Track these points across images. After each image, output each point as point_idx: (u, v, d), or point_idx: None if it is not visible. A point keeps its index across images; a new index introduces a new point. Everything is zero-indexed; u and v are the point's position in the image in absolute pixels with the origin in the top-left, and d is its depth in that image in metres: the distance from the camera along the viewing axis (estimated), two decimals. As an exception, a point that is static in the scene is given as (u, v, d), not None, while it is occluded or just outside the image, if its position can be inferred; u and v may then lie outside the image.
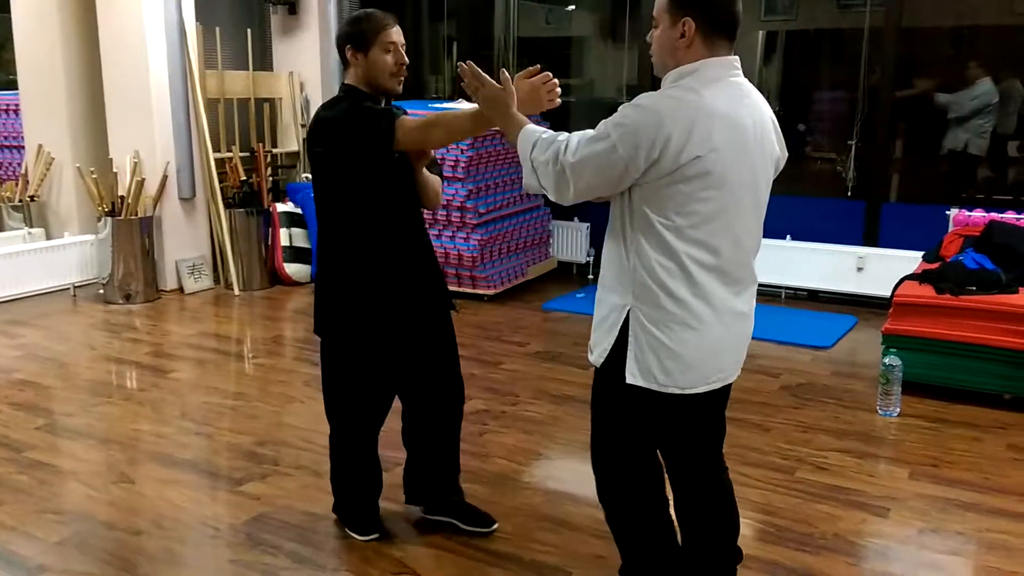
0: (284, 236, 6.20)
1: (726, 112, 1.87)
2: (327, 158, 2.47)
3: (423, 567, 2.64)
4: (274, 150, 6.69)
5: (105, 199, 5.73)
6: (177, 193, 5.92)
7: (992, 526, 2.89)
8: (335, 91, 6.91)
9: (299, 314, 5.68)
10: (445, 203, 5.59)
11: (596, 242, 6.43)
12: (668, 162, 1.82)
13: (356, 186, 2.47)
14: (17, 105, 6.68)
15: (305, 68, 6.72)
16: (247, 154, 6.32)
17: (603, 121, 1.92)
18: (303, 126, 6.74)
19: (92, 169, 5.80)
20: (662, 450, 2.18)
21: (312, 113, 6.71)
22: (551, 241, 6.50)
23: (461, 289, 5.76)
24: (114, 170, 5.81)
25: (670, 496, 2.25)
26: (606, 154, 1.87)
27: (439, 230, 5.71)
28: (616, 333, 1.99)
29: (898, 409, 3.84)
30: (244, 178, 6.14)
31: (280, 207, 6.26)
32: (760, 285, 6.05)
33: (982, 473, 3.28)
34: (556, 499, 3.08)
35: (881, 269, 5.32)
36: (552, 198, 2.02)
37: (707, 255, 1.91)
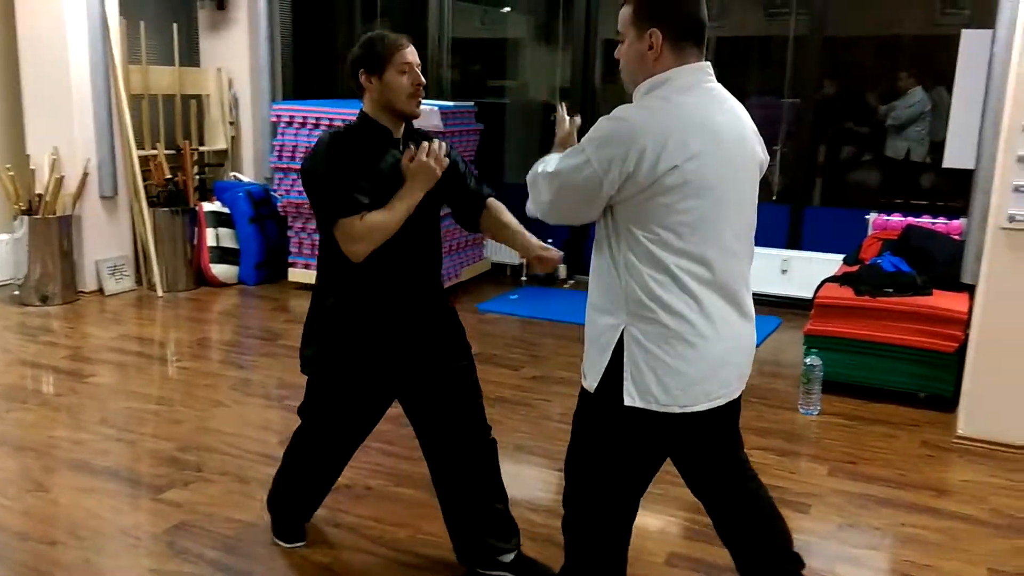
0: (211, 236, 6.06)
1: (702, 119, 1.83)
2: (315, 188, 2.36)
3: (350, 573, 2.61)
4: (201, 148, 6.53)
5: (22, 197, 5.51)
6: (98, 191, 5.74)
7: (907, 521, 2.99)
8: (265, 88, 6.81)
9: (226, 316, 5.57)
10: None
11: (529, 244, 6.44)
12: (644, 175, 1.78)
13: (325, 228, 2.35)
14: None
15: (234, 64, 6.58)
16: (173, 152, 6.16)
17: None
18: (231, 123, 6.60)
19: (8, 166, 5.57)
20: (681, 472, 2.15)
21: (240, 110, 6.60)
22: (485, 242, 6.50)
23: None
24: (32, 167, 5.59)
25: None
26: (579, 168, 1.84)
27: (371, 231, 5.65)
28: (610, 354, 1.90)
29: (819, 408, 3.95)
30: (169, 176, 5.98)
31: (207, 206, 6.12)
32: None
33: (897, 469, 3.39)
34: (486, 501, 3.07)
35: (804, 271, 5.47)
36: (535, 214, 2.00)
37: (699, 267, 1.85)
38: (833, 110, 6.43)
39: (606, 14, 6.43)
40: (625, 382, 1.88)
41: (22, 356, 4.61)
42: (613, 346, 1.90)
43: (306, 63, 7.11)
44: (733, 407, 2.03)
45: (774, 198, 6.04)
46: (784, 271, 5.64)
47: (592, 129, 1.87)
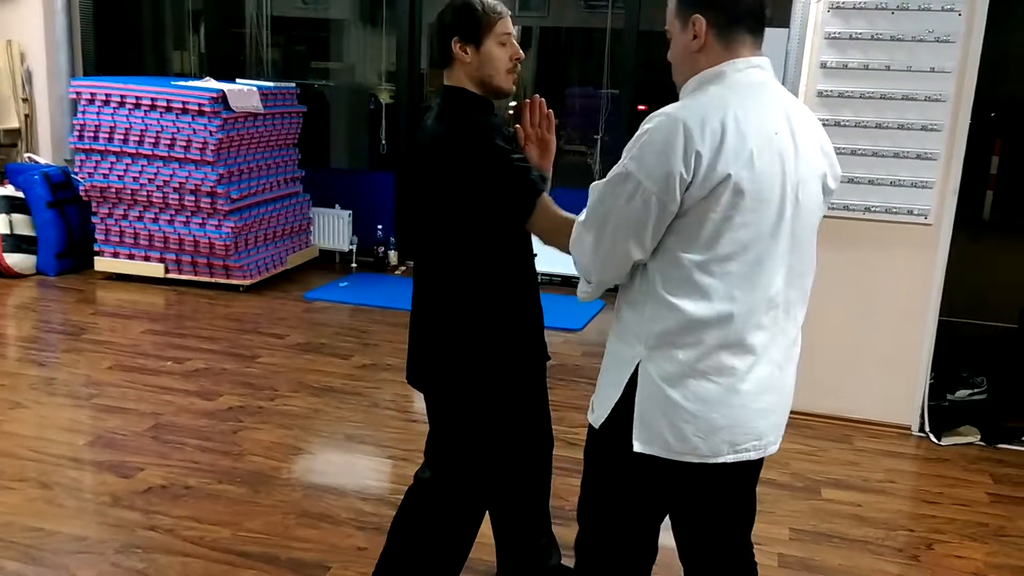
0: (3, 223, 5.53)
1: (759, 123, 1.54)
2: (447, 187, 2.00)
3: (170, 576, 2.48)
4: (-10, 126, 5.95)
5: None
6: None
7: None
8: (63, 63, 6.30)
9: (23, 309, 5.11)
10: (194, 187, 5.27)
11: (359, 230, 6.34)
12: (698, 183, 1.49)
13: (482, 225, 2.03)
14: None
15: (27, 36, 6.02)
16: (-45, 130, 5.57)
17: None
18: (24, 100, 6.05)
19: None
20: (676, 528, 1.84)
21: (35, 86, 6.05)
22: (312, 228, 6.32)
23: (214, 280, 5.46)
24: None
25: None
26: (626, 195, 1.53)
27: (187, 217, 5.37)
28: (622, 390, 1.65)
29: (640, 385, 4.13)
30: (-48, 157, 5.41)
31: (-2, 190, 5.59)
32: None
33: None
34: (317, 493, 3.00)
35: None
36: (586, 290, 1.72)
37: (742, 294, 1.58)
38: (648, 101, 6.73)
39: (432, 1, 6.41)
40: (634, 424, 1.63)
41: None
42: (626, 381, 1.64)
43: (109, 37, 6.61)
44: (758, 464, 1.75)
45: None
46: (606, 255, 5.84)
47: (630, 147, 1.57)
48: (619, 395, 1.65)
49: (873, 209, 3.65)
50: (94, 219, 5.57)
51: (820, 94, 3.65)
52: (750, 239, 1.55)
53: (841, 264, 3.74)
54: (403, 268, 6.32)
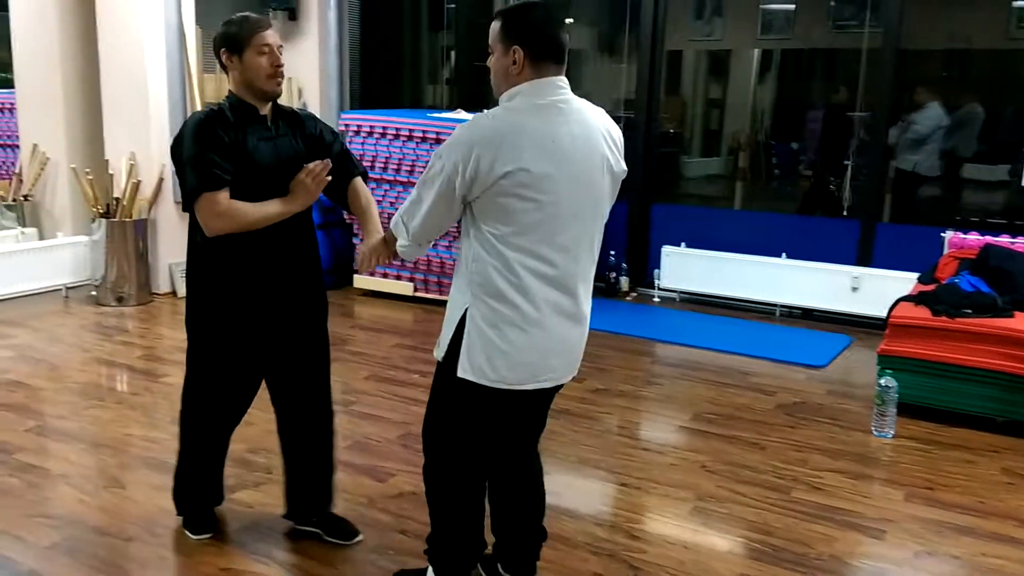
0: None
1: (540, 129, 2.00)
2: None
3: (418, 580, 2.62)
4: (271, 155, 6.65)
5: (100, 200, 5.70)
6: (173, 196, 5.89)
7: (988, 551, 2.89)
8: (334, 97, 6.89)
9: (292, 320, 5.65)
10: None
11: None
12: (482, 178, 1.97)
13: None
14: (13, 103, 6.64)
15: (304, 74, 6.71)
16: (244, 158, 6.29)
17: None
18: (300, 132, 6.71)
19: (88, 170, 5.77)
20: (485, 439, 2.31)
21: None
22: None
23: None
24: (110, 171, 5.78)
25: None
26: (439, 175, 2.03)
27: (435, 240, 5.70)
28: (454, 329, 2.14)
29: (893, 431, 3.84)
30: (240, 182, 6.11)
31: (276, 212, 6.22)
32: (755, 302, 6.01)
33: (977, 497, 3.28)
34: (552, 514, 2.99)
35: (875, 289, 5.34)
36: (408, 255, 2.24)
37: (538, 263, 2.05)
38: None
39: (672, 28, 6.41)
40: (460, 356, 2.11)
41: (98, 355, 4.75)
42: (457, 322, 2.13)
43: (372, 73, 7.21)
44: (553, 391, 2.27)
45: (844, 213, 5.91)
46: (854, 288, 5.51)
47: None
48: (452, 332, 2.13)
49: None
50: (355, 241, 6.07)
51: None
52: (533, 222, 2.01)
53: None
54: (635, 294, 6.31)
